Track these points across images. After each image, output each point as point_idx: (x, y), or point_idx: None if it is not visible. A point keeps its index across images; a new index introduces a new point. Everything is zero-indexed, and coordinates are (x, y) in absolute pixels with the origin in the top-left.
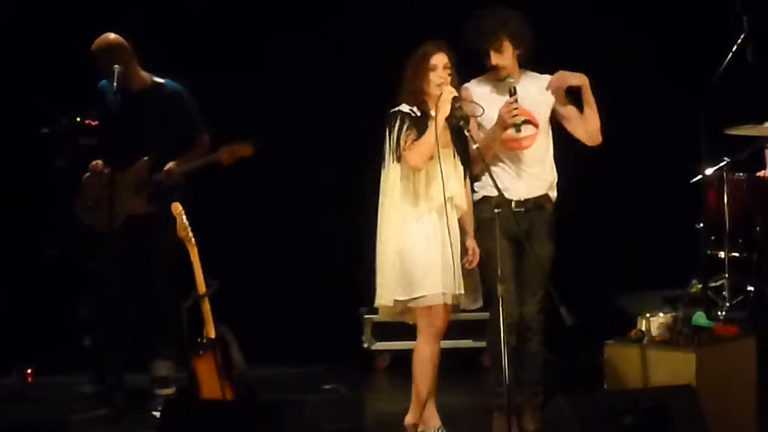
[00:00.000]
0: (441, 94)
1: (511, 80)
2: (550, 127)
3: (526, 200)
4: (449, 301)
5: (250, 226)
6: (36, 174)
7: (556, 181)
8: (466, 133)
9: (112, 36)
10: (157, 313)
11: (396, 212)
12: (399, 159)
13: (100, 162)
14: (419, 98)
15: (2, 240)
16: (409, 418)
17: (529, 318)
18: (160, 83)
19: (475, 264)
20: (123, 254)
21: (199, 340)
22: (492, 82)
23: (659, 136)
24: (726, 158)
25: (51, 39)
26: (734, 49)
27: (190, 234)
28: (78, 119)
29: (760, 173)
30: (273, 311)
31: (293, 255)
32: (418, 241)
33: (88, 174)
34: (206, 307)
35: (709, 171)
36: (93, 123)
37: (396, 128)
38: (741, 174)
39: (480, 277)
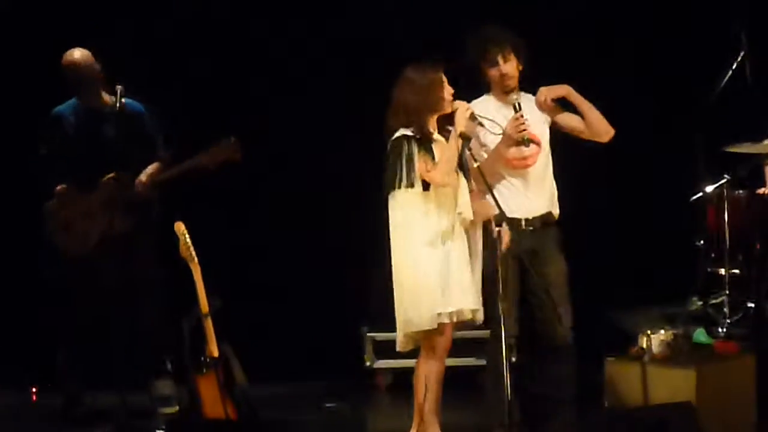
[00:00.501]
0: (456, 109)
1: (515, 96)
2: (549, 146)
3: (534, 218)
4: (466, 318)
5: (250, 243)
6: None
7: (556, 196)
8: (467, 152)
9: (85, 52)
10: (149, 331)
11: (410, 235)
12: (412, 185)
13: (64, 186)
14: (423, 119)
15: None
16: None
17: (561, 337)
18: (122, 103)
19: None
20: (102, 275)
21: (201, 358)
22: (494, 101)
23: (659, 154)
24: (725, 175)
25: (47, 57)
26: (733, 67)
27: (193, 253)
28: None
29: (760, 190)
30: (274, 329)
31: (295, 273)
32: (434, 259)
33: (52, 200)
34: (209, 325)
35: (708, 188)
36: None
37: (405, 154)
38: (740, 191)
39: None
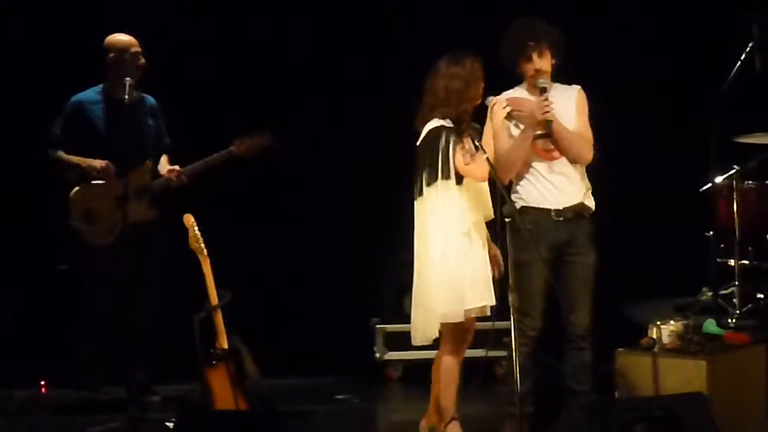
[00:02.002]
0: (493, 104)
1: (541, 81)
2: None
3: (565, 209)
4: (487, 312)
5: (261, 236)
6: (47, 188)
7: (590, 189)
8: (477, 144)
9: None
10: (147, 324)
11: (448, 228)
12: (449, 176)
13: (104, 164)
14: (462, 109)
15: (15, 253)
16: (423, 423)
17: (581, 329)
18: (143, 95)
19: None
20: (121, 265)
21: (211, 351)
22: (526, 93)
23: (669, 145)
24: (735, 167)
25: (61, 58)
26: (743, 58)
27: (203, 245)
28: None
29: None
30: (285, 322)
31: (306, 266)
32: (465, 254)
33: (77, 188)
34: (219, 318)
35: (718, 179)
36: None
37: (443, 144)
38: (750, 182)
39: (511, 288)
